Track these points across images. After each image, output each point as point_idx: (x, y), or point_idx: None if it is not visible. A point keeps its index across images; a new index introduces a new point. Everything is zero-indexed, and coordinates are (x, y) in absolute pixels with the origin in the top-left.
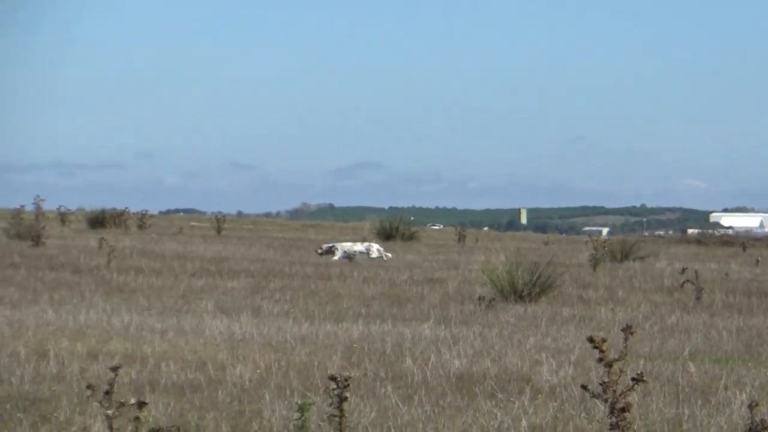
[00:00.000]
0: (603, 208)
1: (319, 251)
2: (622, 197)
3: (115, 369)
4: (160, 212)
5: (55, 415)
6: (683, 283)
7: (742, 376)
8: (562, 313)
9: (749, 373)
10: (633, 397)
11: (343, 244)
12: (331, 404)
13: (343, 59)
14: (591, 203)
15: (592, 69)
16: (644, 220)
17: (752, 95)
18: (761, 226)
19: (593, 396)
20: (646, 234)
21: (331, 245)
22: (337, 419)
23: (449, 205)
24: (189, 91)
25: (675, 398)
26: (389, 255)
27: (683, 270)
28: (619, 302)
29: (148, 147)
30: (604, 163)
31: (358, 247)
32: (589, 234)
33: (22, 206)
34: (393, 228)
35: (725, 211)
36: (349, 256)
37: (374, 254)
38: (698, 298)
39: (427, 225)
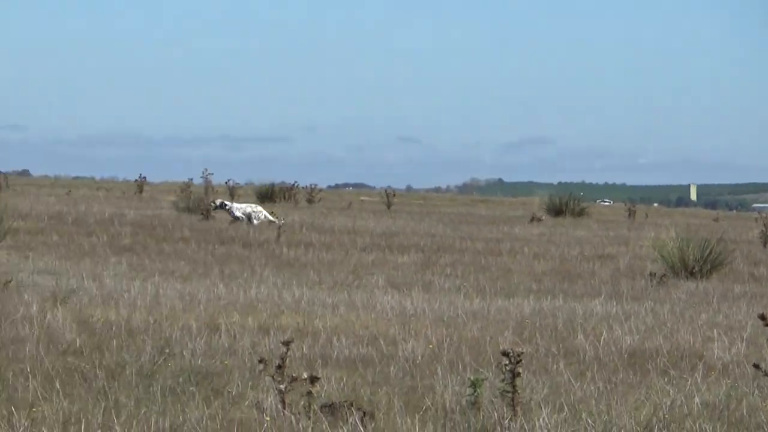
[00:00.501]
0: None
1: (213, 206)
2: None
3: (286, 343)
4: (329, 186)
5: (227, 389)
6: None
7: None
8: (733, 290)
9: None
10: None
11: (237, 204)
12: (503, 380)
13: (511, 32)
14: (761, 180)
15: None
16: None
17: None
18: None
19: (765, 374)
20: None
21: (223, 202)
22: (509, 395)
23: (618, 180)
24: (351, 64)
25: None
26: (272, 218)
27: None
28: None
29: (313, 121)
30: None
31: (252, 209)
32: (759, 211)
33: (191, 180)
34: (563, 204)
35: None
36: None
37: (256, 220)
38: None
39: (597, 201)
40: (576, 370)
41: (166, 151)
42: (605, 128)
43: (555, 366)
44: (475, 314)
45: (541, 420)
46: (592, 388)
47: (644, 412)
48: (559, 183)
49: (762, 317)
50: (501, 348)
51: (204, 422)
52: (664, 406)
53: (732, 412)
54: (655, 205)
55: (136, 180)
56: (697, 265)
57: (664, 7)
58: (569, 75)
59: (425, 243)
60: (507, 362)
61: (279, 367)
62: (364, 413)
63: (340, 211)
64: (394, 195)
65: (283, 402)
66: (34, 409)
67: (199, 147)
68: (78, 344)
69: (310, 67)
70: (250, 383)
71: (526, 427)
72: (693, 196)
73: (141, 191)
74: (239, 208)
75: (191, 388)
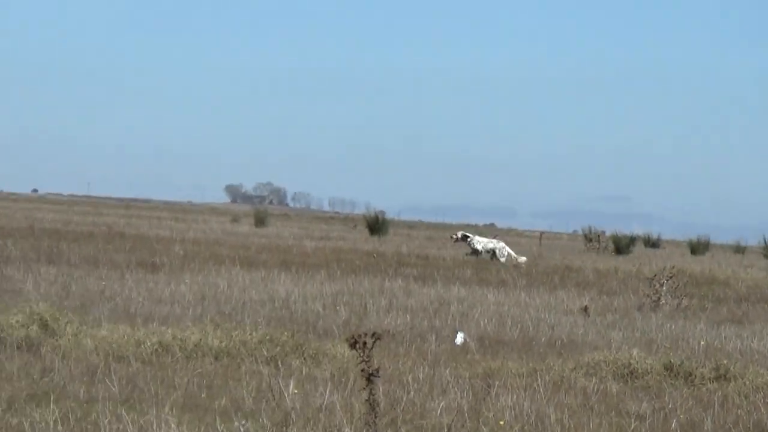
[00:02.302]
0: None
1: (454, 238)
2: None
3: None
4: None
5: None
6: None
7: None
8: None
9: None
10: None
11: (479, 238)
12: None
13: None
14: None
15: None
16: None
17: None
18: None
19: None
20: None
21: (465, 234)
22: None
23: None
24: None
25: None
26: (523, 258)
27: None
28: None
29: None
30: None
31: (492, 245)
32: None
33: None
34: None
35: None
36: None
37: (501, 257)
38: None
39: None
40: None
41: None
42: None
43: None
44: None
45: None
46: None
47: None
48: None
49: None
50: None
51: None
52: None
53: None
54: None
55: None
56: None
57: None
58: None
59: None
60: None
61: None
62: None
63: None
64: None
65: None
66: None
67: None
68: None
69: None
70: None
71: None
72: None
73: None
74: (480, 242)
75: None
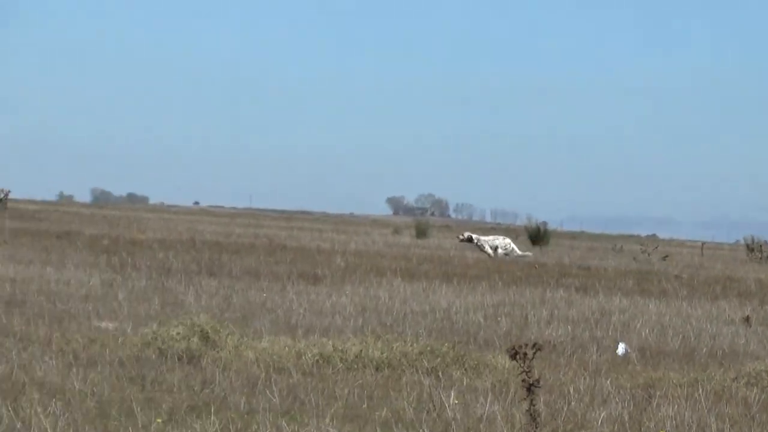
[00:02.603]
0: None
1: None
2: None
3: None
4: None
5: None
6: None
7: None
8: None
9: None
10: None
11: (485, 238)
12: None
13: None
14: None
15: None
16: None
17: None
18: None
19: None
20: None
21: (470, 235)
22: None
23: None
24: None
25: None
26: (529, 253)
27: None
28: None
29: None
30: None
31: (499, 241)
32: None
33: None
34: None
35: None
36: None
37: (503, 251)
38: None
39: None
40: None
41: None
42: None
43: None
44: None
45: None
46: None
47: None
48: None
49: None
50: None
51: None
52: None
53: None
54: None
55: None
56: None
57: None
58: None
59: None
60: None
61: None
62: None
63: None
64: None
65: None
66: None
67: None
68: None
69: None
70: None
71: None
72: None
73: None
74: (486, 241)
75: None
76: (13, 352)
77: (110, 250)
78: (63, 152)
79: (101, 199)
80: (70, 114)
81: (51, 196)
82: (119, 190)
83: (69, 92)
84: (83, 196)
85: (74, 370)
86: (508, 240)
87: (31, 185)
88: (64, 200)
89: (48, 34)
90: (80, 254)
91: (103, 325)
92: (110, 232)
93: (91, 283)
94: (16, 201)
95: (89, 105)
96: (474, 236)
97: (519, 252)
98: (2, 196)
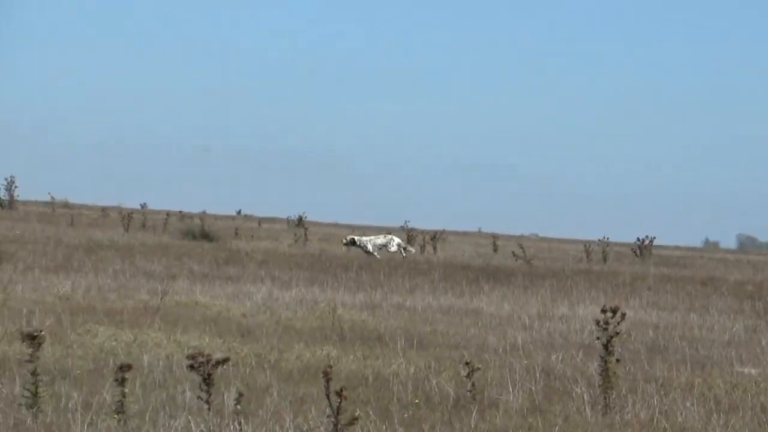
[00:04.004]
0: None
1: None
2: None
3: None
4: None
5: None
6: None
7: None
8: None
9: None
10: None
11: (365, 238)
12: None
13: None
14: None
15: None
16: None
17: None
18: None
19: None
20: None
21: (353, 238)
22: None
23: None
24: None
25: None
26: (411, 249)
27: None
28: None
29: None
30: None
31: (381, 240)
32: None
33: None
34: None
35: None
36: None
37: (393, 248)
38: None
39: None
40: None
41: None
42: None
43: None
44: None
45: None
46: None
47: None
48: None
49: None
50: None
51: None
52: None
53: None
54: None
55: None
56: None
57: None
58: None
59: None
60: None
61: None
62: None
63: None
64: None
65: None
66: None
67: None
68: None
69: None
70: None
71: None
72: None
73: None
74: (370, 240)
75: None
76: (655, 398)
77: (754, 296)
78: (708, 199)
79: (747, 244)
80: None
81: (697, 242)
82: (765, 235)
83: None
84: (729, 242)
85: (715, 416)
86: (391, 236)
87: (677, 231)
88: (710, 246)
89: None
90: (724, 300)
91: (746, 370)
92: (755, 278)
93: (734, 329)
94: (660, 247)
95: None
96: (356, 239)
97: (406, 247)
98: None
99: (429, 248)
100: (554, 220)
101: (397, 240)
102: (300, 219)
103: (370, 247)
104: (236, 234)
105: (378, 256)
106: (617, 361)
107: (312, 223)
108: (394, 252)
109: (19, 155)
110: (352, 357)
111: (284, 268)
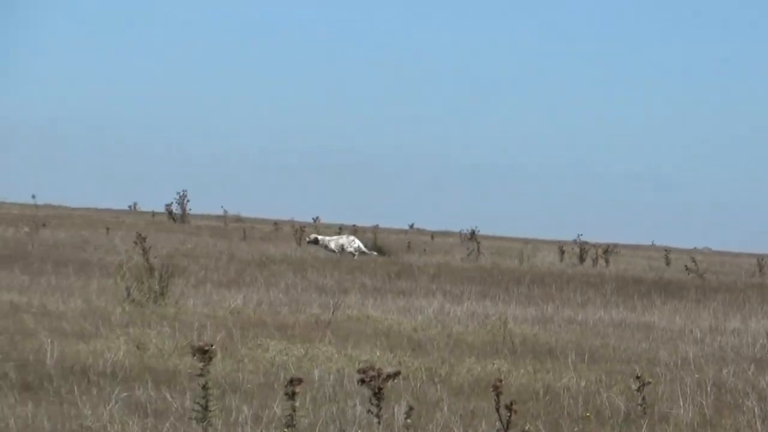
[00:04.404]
0: None
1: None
2: None
3: None
4: None
5: None
6: None
7: None
8: None
9: None
10: None
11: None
12: None
13: None
14: None
15: None
16: None
17: None
18: None
19: None
20: None
21: (316, 237)
22: None
23: None
24: None
25: None
26: (365, 250)
27: None
28: None
29: None
30: None
31: (342, 240)
32: None
33: None
34: None
35: None
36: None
37: (350, 249)
38: None
39: None
40: None
41: None
42: None
43: None
44: None
45: None
46: None
47: None
48: None
49: None
50: None
51: None
52: None
53: None
54: None
55: None
56: None
57: None
58: None
59: None
60: None
61: None
62: None
63: None
64: None
65: None
66: None
67: None
68: None
69: None
70: None
71: None
72: None
73: None
74: (332, 240)
75: None
76: None
77: None
78: None
79: None
80: None
81: None
82: None
83: None
84: None
85: None
86: (352, 237)
87: None
88: None
89: None
90: None
91: None
92: None
93: None
94: None
95: None
96: (319, 237)
97: (362, 249)
98: None
99: (601, 261)
100: (726, 233)
101: (357, 242)
102: (473, 233)
103: (332, 246)
104: (408, 248)
105: (338, 255)
106: None
107: (484, 237)
108: (350, 252)
109: (191, 169)
110: (522, 371)
111: (456, 282)
